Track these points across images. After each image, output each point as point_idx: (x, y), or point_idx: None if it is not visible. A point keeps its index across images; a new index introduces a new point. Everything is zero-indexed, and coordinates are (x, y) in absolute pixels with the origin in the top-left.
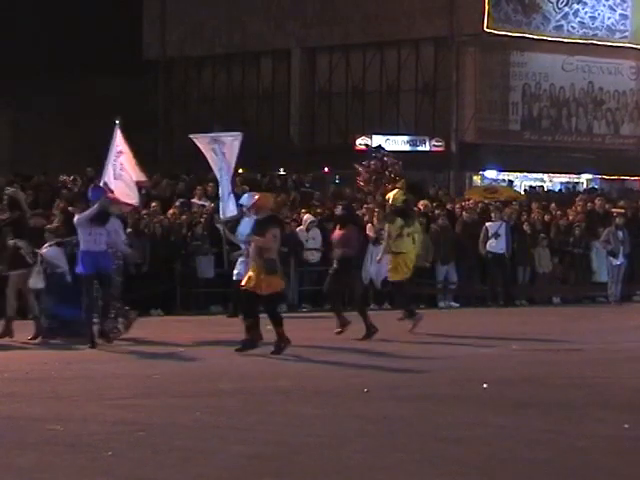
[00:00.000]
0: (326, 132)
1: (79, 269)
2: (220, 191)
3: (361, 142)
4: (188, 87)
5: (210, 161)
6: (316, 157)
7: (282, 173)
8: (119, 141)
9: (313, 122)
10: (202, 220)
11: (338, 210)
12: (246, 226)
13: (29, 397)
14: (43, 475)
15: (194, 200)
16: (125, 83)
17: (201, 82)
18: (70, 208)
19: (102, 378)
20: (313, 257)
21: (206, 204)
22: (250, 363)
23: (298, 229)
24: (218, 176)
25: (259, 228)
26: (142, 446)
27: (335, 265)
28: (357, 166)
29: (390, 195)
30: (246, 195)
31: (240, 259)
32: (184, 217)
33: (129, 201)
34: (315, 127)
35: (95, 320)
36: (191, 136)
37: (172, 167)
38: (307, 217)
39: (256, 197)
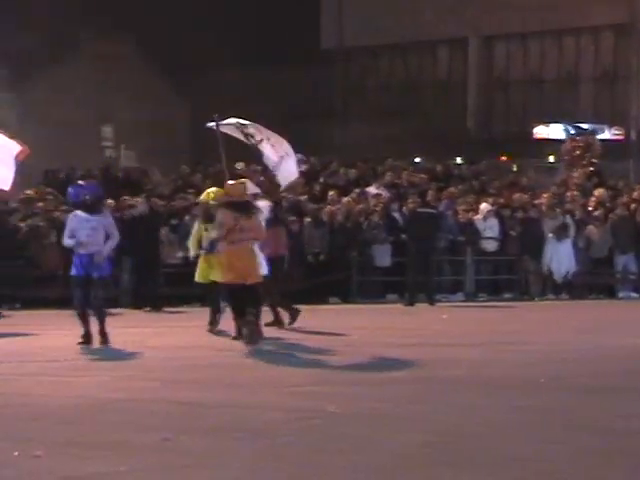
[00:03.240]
0: (503, 121)
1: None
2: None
3: (539, 131)
4: (365, 76)
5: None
6: (493, 146)
7: (459, 162)
8: None
9: (490, 111)
10: (378, 209)
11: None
12: None
13: (207, 383)
14: (217, 460)
15: (370, 188)
16: (303, 72)
17: (378, 71)
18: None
19: (280, 366)
20: (490, 246)
21: (383, 193)
22: (423, 352)
23: (475, 218)
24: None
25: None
26: (317, 433)
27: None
28: (567, 138)
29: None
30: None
31: None
32: (360, 205)
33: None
34: (492, 116)
35: None
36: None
37: (349, 154)
38: (484, 206)
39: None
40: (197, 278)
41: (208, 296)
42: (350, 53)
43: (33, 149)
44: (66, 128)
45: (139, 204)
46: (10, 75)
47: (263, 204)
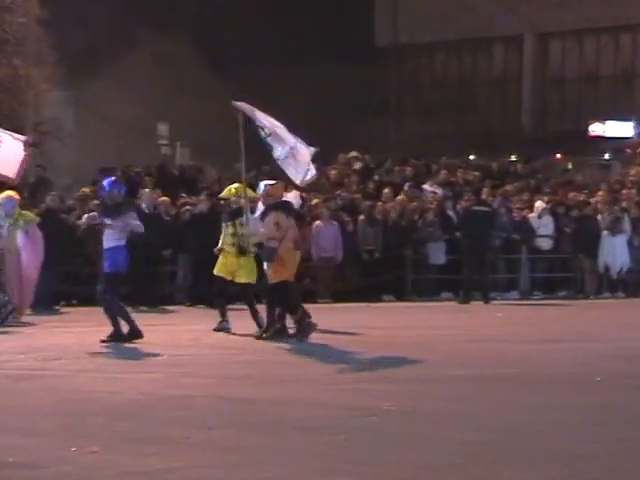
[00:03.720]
0: (558, 118)
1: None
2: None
3: (594, 128)
4: (420, 73)
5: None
6: (548, 143)
7: (513, 159)
8: None
9: (545, 108)
10: (433, 207)
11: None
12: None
13: (262, 380)
14: (276, 456)
15: (425, 186)
16: (358, 69)
17: (433, 68)
18: None
19: (333, 362)
20: (545, 244)
21: (438, 191)
22: (480, 350)
23: (530, 216)
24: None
25: (262, 216)
26: (374, 431)
27: None
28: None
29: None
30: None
31: None
32: (415, 203)
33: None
34: (547, 113)
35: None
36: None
37: (403, 152)
38: (539, 204)
39: (268, 186)
40: (218, 272)
41: (245, 295)
42: (404, 50)
43: (89, 147)
44: (122, 126)
45: (200, 202)
46: (67, 73)
47: (292, 195)
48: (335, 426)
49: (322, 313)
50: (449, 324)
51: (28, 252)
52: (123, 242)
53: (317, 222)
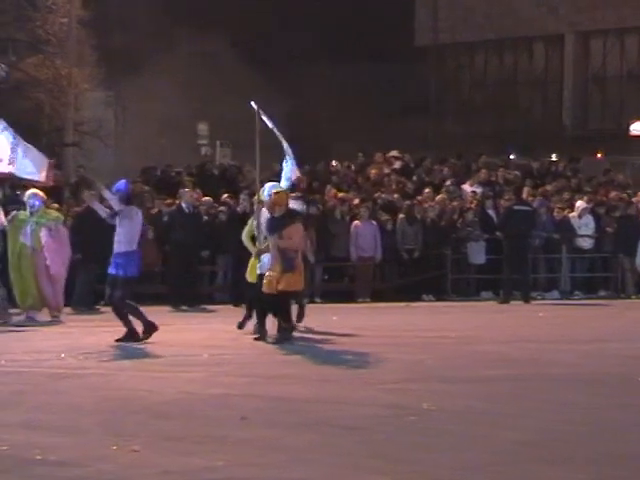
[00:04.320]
0: (599, 117)
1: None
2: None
3: (636, 128)
4: (460, 73)
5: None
6: (589, 143)
7: (554, 159)
8: None
9: (586, 107)
10: (473, 206)
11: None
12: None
13: (301, 379)
14: (314, 455)
15: (465, 186)
16: (398, 69)
17: (473, 68)
18: None
19: (372, 362)
20: (586, 243)
21: (478, 190)
22: (521, 350)
23: (570, 215)
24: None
25: (276, 226)
26: (413, 430)
27: None
28: None
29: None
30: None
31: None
32: (455, 203)
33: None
34: (588, 112)
35: None
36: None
37: (442, 152)
38: (580, 203)
39: (272, 194)
40: (251, 279)
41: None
42: (445, 49)
43: (130, 147)
44: (162, 125)
45: (241, 201)
46: (108, 73)
47: (296, 202)
48: (374, 425)
49: (361, 312)
50: (489, 324)
51: (51, 250)
52: (134, 247)
53: (356, 222)
